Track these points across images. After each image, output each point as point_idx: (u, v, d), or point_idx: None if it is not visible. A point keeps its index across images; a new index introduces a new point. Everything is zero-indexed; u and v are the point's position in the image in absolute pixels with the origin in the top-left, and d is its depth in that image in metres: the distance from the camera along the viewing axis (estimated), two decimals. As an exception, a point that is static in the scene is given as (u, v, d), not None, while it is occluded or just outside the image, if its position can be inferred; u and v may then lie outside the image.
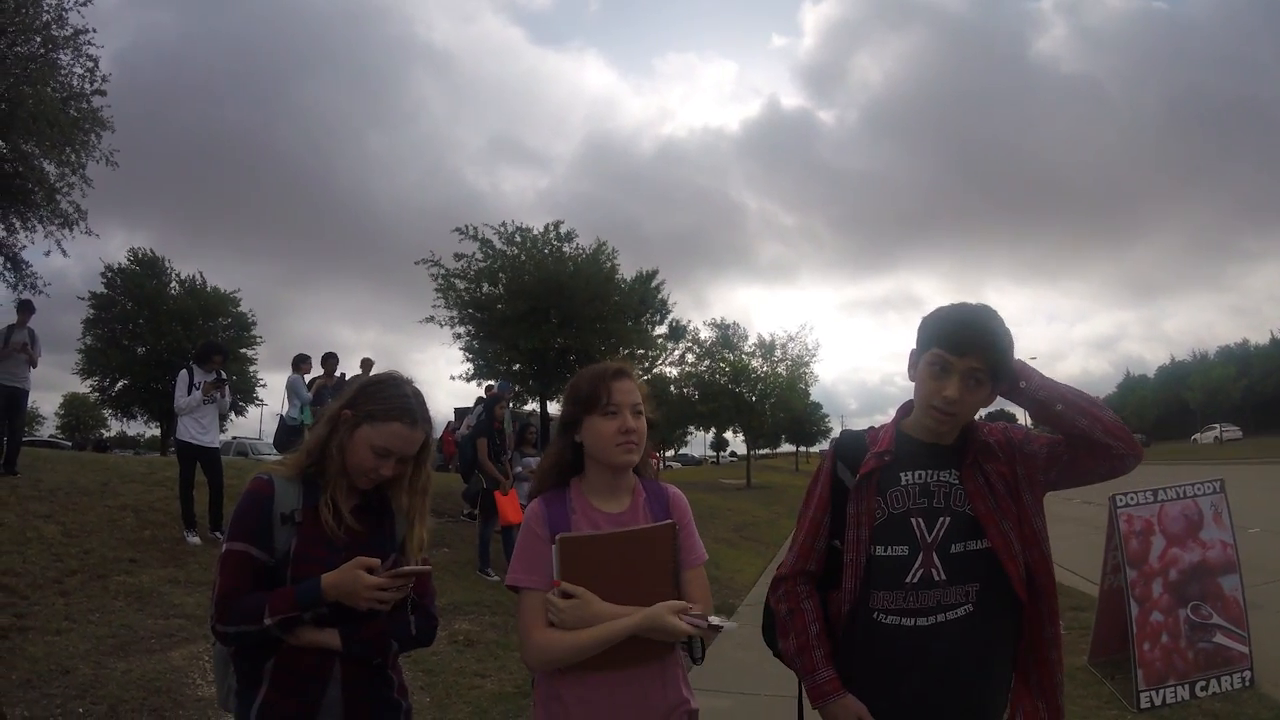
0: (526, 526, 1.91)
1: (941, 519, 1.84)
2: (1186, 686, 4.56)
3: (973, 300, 1.90)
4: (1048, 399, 1.78)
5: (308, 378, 10.76)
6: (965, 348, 1.79)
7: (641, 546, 1.84)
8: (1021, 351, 1.84)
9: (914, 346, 1.94)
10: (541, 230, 19.27)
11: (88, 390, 40.27)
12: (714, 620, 1.74)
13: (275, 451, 11.57)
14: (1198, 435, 67.65)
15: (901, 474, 1.89)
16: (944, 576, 1.82)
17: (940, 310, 1.89)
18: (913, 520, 1.85)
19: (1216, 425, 65.57)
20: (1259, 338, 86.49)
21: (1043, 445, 1.88)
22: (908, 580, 1.83)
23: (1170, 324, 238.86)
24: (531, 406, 21.13)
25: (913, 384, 1.94)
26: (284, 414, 10.97)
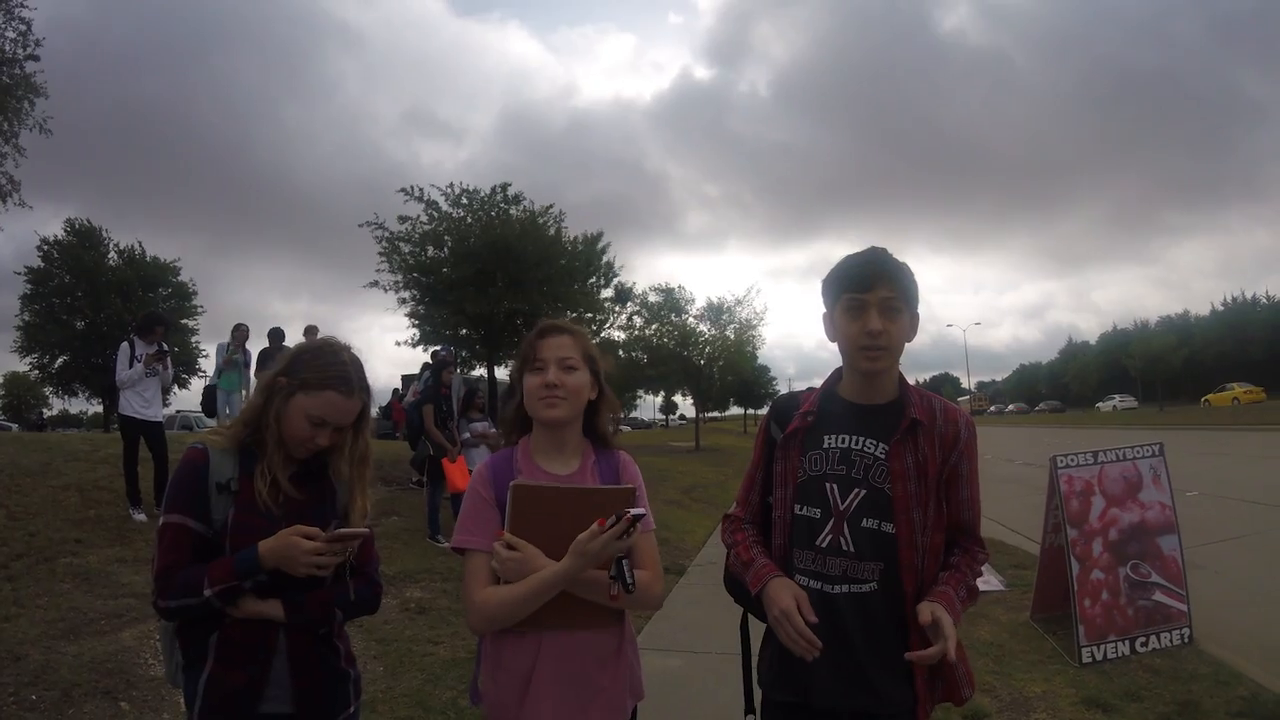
0: (472, 488, 1.89)
1: (857, 490, 1.83)
2: (1127, 642, 4.73)
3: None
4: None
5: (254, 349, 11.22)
6: (872, 281, 1.82)
7: (596, 507, 1.77)
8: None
9: (824, 311, 1.96)
10: (489, 192, 18.85)
11: (27, 368, 39.19)
12: (632, 511, 1.71)
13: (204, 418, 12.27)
14: (1100, 404, 74.57)
15: (825, 436, 1.89)
16: (852, 549, 1.82)
17: (835, 266, 1.92)
18: (827, 485, 1.86)
19: (1115, 396, 73.14)
20: (1190, 309, 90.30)
21: (957, 505, 1.88)
22: (818, 543, 1.85)
23: (1099, 295, 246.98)
24: (479, 372, 20.92)
25: (837, 349, 1.94)
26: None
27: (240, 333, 11.09)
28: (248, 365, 10.94)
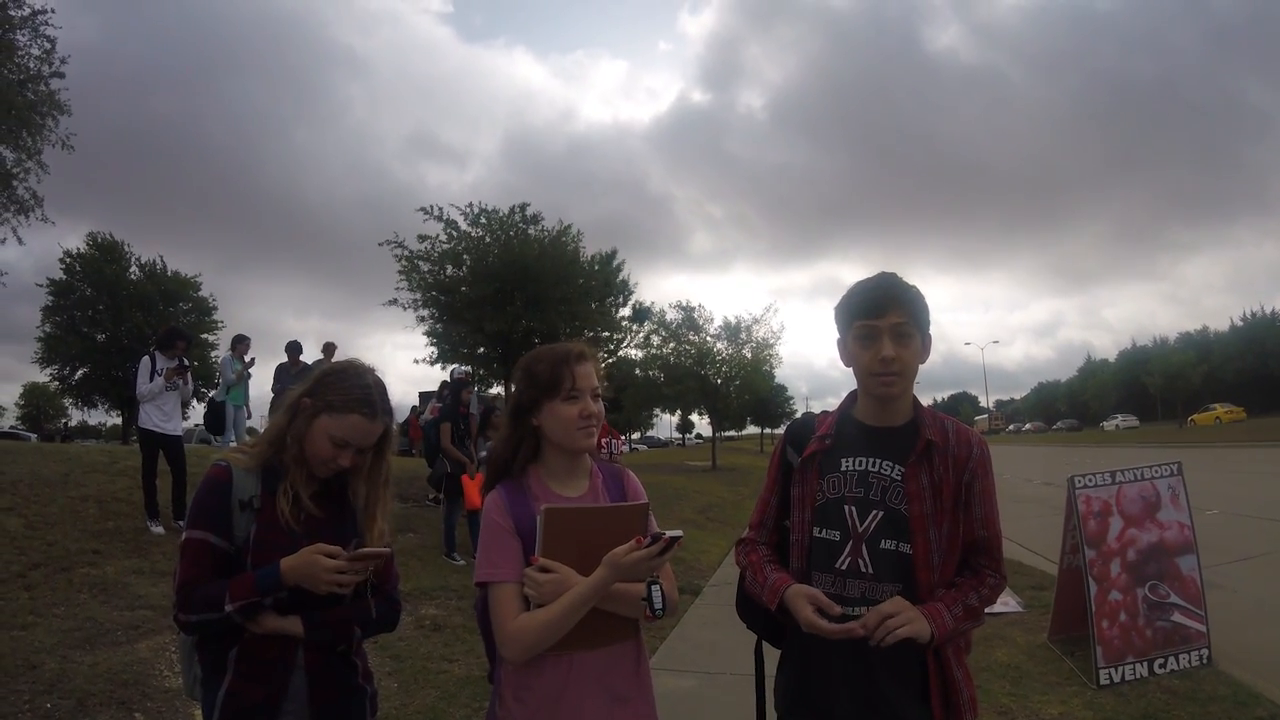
0: (488, 519, 1.85)
1: (875, 512, 1.85)
2: (1145, 664, 4.66)
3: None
4: (953, 636, 1.81)
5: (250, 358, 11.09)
6: (884, 307, 1.84)
7: (620, 523, 1.81)
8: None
9: (838, 336, 1.98)
10: (507, 212, 19.02)
11: (48, 379, 39.58)
12: (669, 533, 1.71)
13: (208, 432, 12.41)
14: (1104, 423, 74.96)
15: (843, 460, 1.91)
16: (871, 570, 1.83)
17: (848, 291, 1.94)
18: (846, 507, 1.87)
19: (1118, 415, 74.03)
20: (1207, 324, 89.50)
21: (971, 524, 1.88)
22: (838, 566, 1.86)
23: (1109, 312, 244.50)
24: (497, 390, 20.99)
25: (851, 370, 1.95)
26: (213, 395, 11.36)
27: (242, 345, 11.00)
28: (249, 378, 10.93)
